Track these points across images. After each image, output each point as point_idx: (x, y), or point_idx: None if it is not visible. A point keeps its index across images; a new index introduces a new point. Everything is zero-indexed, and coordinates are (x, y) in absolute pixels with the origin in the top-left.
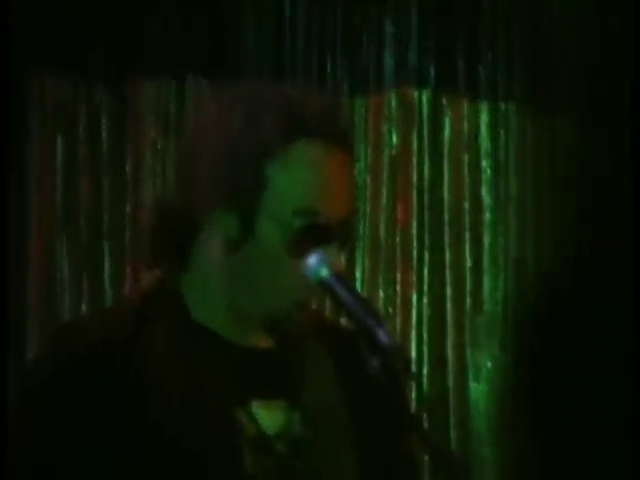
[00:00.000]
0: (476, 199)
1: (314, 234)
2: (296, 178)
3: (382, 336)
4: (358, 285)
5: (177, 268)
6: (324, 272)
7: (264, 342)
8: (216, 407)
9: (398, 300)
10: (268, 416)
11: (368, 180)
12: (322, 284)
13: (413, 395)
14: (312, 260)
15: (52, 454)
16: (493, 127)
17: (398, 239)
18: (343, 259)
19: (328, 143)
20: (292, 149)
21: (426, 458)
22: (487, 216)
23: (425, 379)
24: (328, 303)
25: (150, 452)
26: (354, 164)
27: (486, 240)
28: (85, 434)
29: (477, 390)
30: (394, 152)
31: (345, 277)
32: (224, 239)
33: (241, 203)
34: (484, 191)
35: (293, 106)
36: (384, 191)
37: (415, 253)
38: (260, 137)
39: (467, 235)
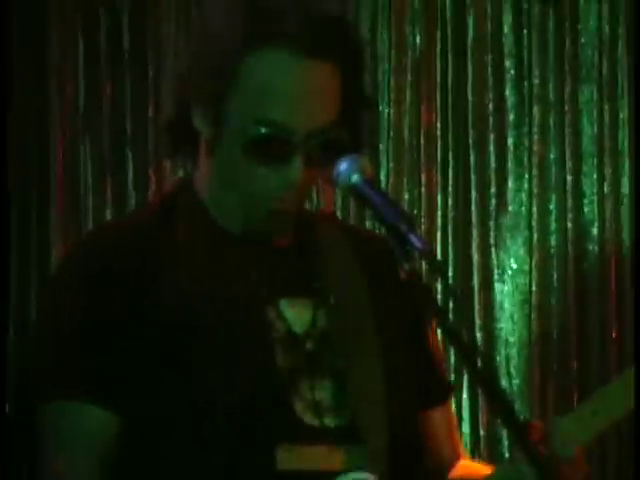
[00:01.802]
0: (500, 100)
1: (271, 145)
2: (261, 86)
3: (415, 240)
4: (382, 187)
5: (190, 163)
6: (355, 178)
7: (280, 241)
8: (248, 305)
9: (423, 202)
10: (295, 314)
11: (392, 81)
12: (353, 190)
13: (440, 296)
14: (343, 166)
15: (91, 357)
16: (516, 27)
17: (422, 140)
18: (371, 164)
19: (302, 51)
20: (261, 56)
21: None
22: (511, 117)
23: (450, 281)
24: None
25: (183, 348)
26: (338, 72)
27: (510, 141)
28: (117, 332)
29: (502, 291)
30: (417, 53)
31: (376, 182)
32: (204, 139)
33: (210, 106)
34: (508, 91)
35: (264, 10)
36: (408, 92)
37: (439, 154)
38: (231, 41)
39: (491, 136)
